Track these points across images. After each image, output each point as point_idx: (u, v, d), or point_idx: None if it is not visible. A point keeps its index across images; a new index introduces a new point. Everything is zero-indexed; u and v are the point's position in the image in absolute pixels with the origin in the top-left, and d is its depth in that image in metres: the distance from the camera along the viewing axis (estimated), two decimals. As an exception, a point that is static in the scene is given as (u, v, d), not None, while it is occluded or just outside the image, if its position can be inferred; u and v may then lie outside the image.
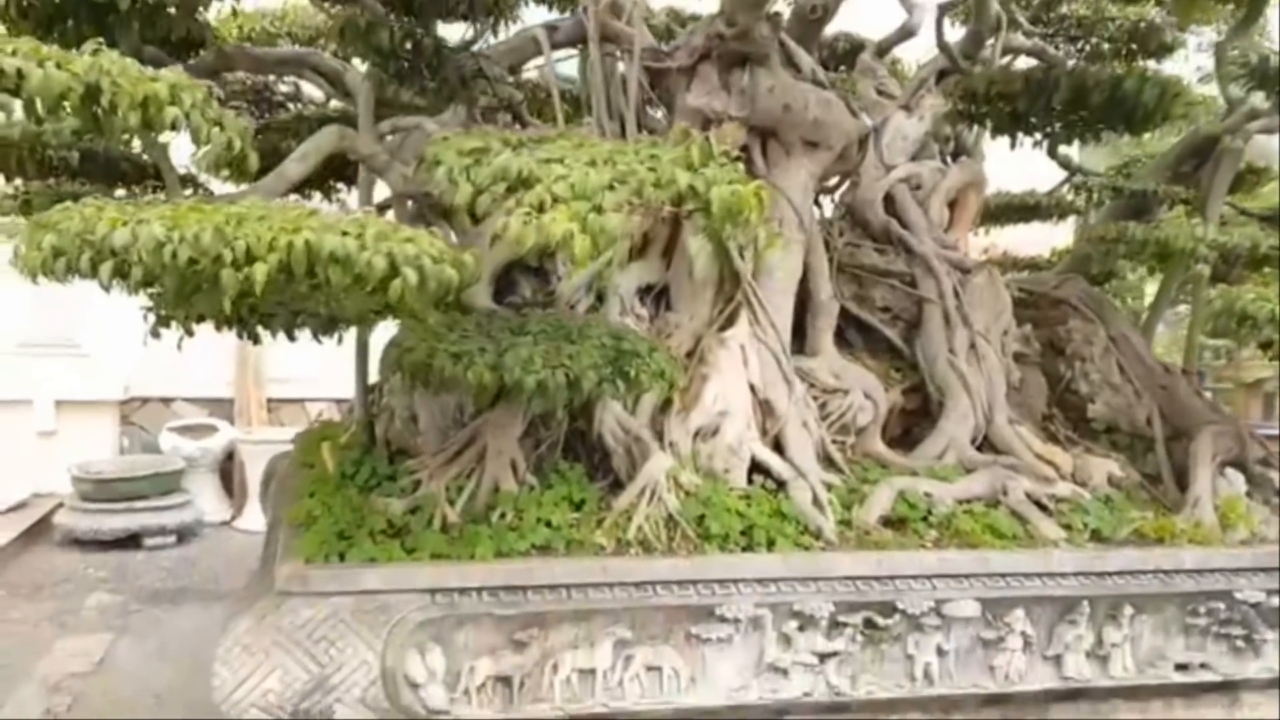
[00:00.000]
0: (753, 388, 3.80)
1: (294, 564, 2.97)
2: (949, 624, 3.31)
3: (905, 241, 4.68)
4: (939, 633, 3.30)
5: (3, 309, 8.47)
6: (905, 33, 5.59)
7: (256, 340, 2.90)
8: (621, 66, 4.33)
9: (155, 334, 2.73)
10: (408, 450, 3.71)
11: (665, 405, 3.68)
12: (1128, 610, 3.46)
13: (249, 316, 2.74)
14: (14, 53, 2.35)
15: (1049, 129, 5.01)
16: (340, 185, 5.51)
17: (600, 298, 3.93)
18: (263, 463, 5.36)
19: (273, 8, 5.56)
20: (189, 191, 4.00)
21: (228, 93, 4.90)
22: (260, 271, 2.18)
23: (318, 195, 5.45)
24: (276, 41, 5.38)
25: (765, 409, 3.82)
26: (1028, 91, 4.69)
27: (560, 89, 4.50)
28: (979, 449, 4.10)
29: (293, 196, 4.14)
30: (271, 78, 5.60)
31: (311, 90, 5.53)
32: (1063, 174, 6.30)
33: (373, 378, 4.02)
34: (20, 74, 2.33)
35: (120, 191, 4.92)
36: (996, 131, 5.07)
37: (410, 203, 3.90)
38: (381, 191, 4.08)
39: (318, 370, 8.12)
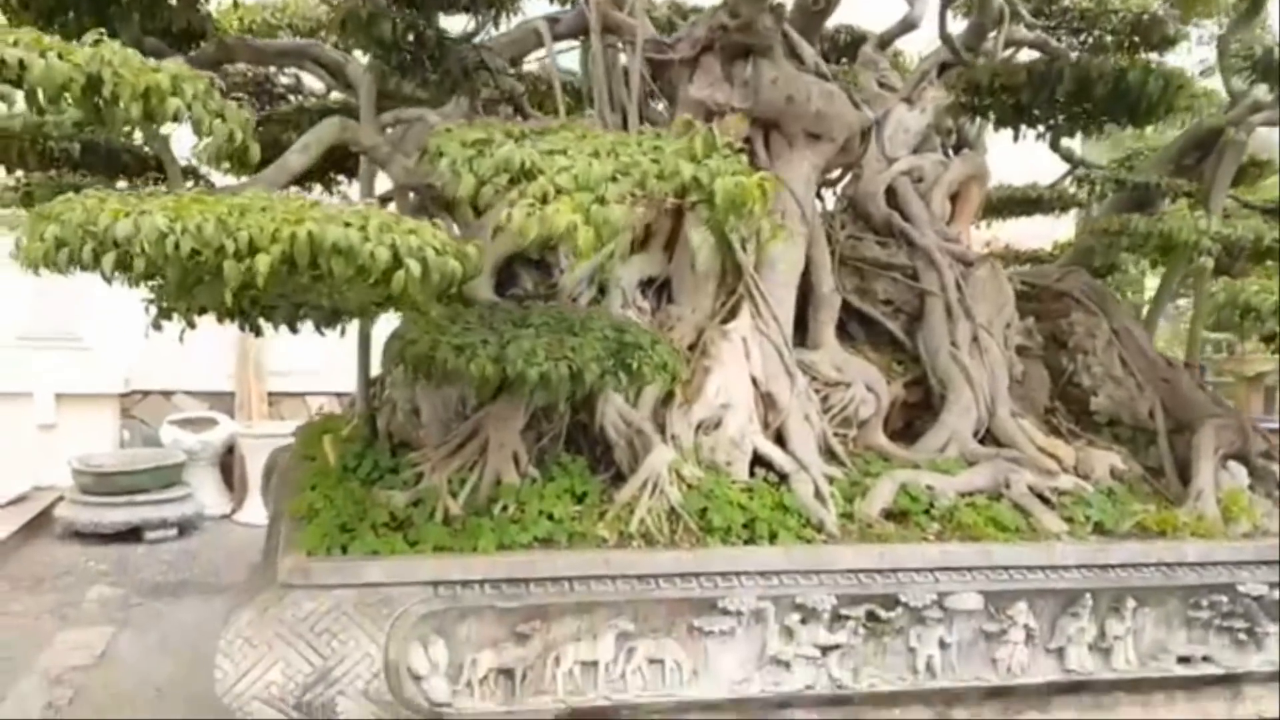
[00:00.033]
0: (755, 380, 3.80)
1: (296, 556, 2.97)
2: (951, 617, 3.30)
3: (907, 234, 4.67)
4: (941, 625, 3.29)
5: (3, 301, 8.47)
6: (907, 25, 5.58)
7: (258, 332, 2.90)
8: (623, 58, 4.32)
9: (157, 326, 2.72)
10: (410, 443, 3.70)
11: (667, 398, 3.68)
12: (1130, 603, 3.46)
13: (251, 309, 2.74)
14: (16, 43, 2.35)
15: (1052, 121, 4.99)
16: (341, 178, 5.51)
17: (602, 290, 3.93)
18: (263, 456, 5.36)
19: (273, 0, 5.54)
20: (190, 184, 3.99)
21: (228, 85, 4.89)
22: (263, 263, 2.18)
23: (318, 188, 5.44)
24: (277, 33, 5.36)
25: (767, 402, 3.82)
26: (1031, 83, 4.67)
27: (561, 81, 4.49)
28: (981, 442, 4.09)
29: (293, 189, 4.15)
30: (272, 70, 5.60)
31: (312, 82, 5.52)
32: (1065, 167, 6.29)
33: (374, 371, 4.02)
34: (22, 64, 2.32)
35: (121, 183, 4.91)
36: (999, 124, 5.05)
37: (412, 195, 3.89)
38: (383, 184, 4.07)
39: (318, 364, 8.17)
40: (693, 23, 4.29)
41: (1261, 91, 5.10)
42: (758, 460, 3.67)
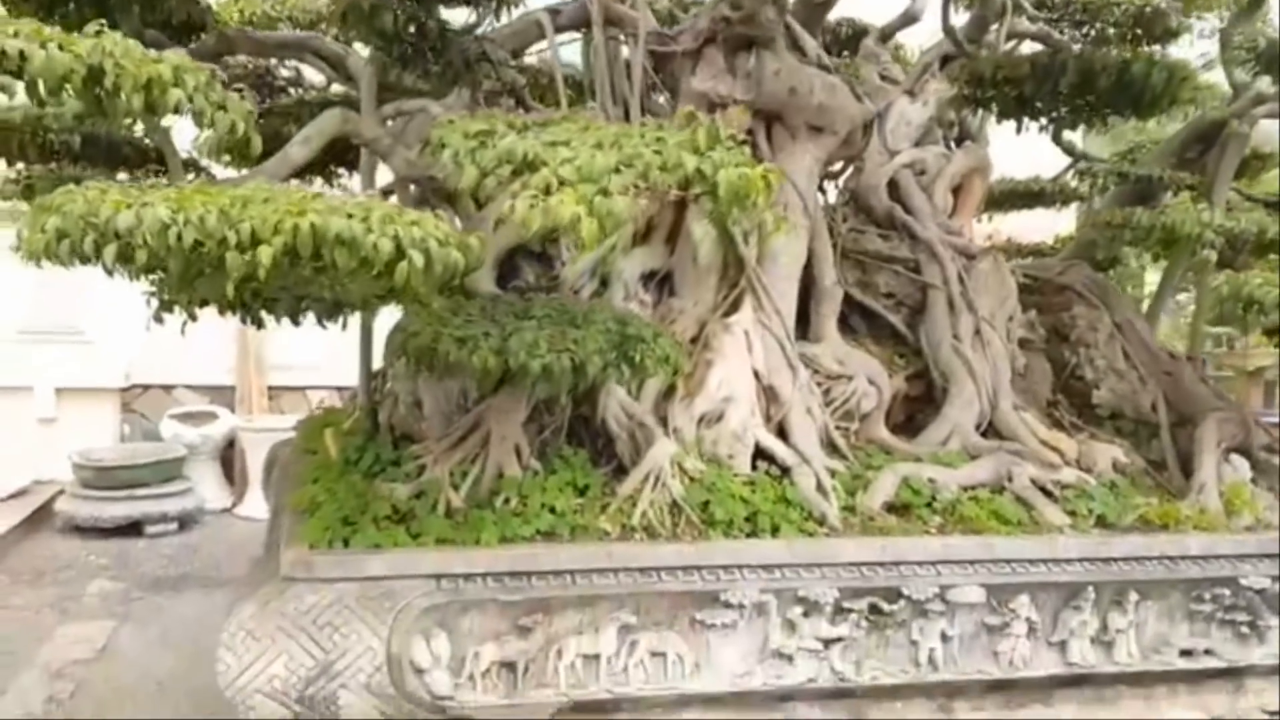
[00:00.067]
0: (757, 374, 3.79)
1: (298, 550, 2.96)
2: (953, 610, 3.30)
3: (909, 227, 4.66)
4: (943, 618, 3.29)
5: (4, 295, 8.46)
6: (909, 18, 5.56)
7: (260, 325, 2.89)
8: (625, 51, 4.30)
9: (158, 319, 2.72)
10: (412, 436, 3.70)
11: (669, 391, 3.68)
12: (1133, 596, 3.46)
13: (252, 301, 2.73)
14: (16, 34, 2.33)
15: (1055, 114, 4.99)
16: (342, 170, 5.50)
17: (604, 283, 3.92)
18: (264, 450, 5.36)
19: (274, -8, 5.53)
20: (191, 176, 3.98)
21: (229, 77, 4.86)
22: (265, 254, 2.17)
23: (319, 180, 5.43)
24: (278, 25, 5.35)
25: (769, 395, 3.81)
26: (1034, 76, 4.66)
27: (563, 73, 4.48)
28: (984, 435, 4.09)
29: (294, 182, 4.14)
30: (273, 62, 5.58)
31: (313, 75, 5.51)
32: (1067, 160, 6.28)
33: (376, 364, 4.01)
34: (23, 55, 2.31)
35: (122, 175, 4.90)
36: (1002, 116, 5.04)
37: (413, 187, 3.89)
38: (384, 177, 4.06)
39: (319, 358, 8.17)
40: (695, 15, 4.28)
41: (1264, 84, 5.09)
42: (760, 453, 3.66)
